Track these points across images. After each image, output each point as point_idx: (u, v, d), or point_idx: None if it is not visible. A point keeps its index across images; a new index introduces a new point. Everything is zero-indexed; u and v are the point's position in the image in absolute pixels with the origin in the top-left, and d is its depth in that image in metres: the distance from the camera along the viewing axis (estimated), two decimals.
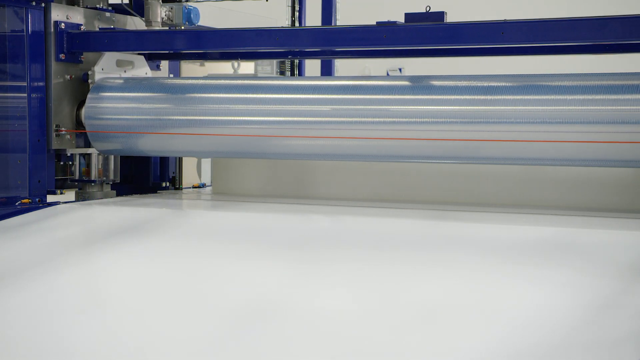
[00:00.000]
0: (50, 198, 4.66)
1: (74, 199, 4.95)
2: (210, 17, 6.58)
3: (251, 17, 9.29)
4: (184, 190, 5.45)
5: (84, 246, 3.86)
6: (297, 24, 6.79)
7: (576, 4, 8.68)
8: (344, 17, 6.79)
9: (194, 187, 5.64)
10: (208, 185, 5.94)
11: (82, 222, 4.28)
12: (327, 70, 6.61)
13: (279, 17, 7.64)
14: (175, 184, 5.49)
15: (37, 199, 4.53)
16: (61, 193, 5.95)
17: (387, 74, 10.21)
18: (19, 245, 3.90)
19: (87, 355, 2.83)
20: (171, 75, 5.55)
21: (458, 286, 3.06)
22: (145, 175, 5.38)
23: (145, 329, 2.98)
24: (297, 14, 6.81)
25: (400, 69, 10.11)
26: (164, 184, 5.41)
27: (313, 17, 6.89)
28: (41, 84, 4.61)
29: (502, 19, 4.08)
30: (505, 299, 2.94)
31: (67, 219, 4.28)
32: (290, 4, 6.81)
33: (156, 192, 5.30)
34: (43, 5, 4.60)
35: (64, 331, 3.00)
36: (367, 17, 5.04)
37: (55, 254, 3.73)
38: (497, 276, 3.14)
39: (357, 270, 3.31)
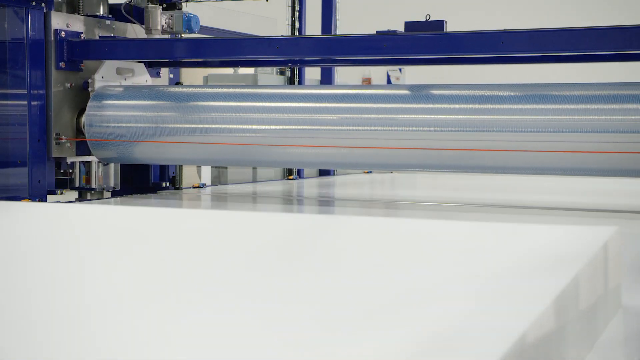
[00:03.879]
0: (50, 198, 4.67)
1: (74, 199, 4.95)
2: (210, 17, 6.57)
3: (251, 17, 9.30)
4: (183, 190, 5.46)
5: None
6: (297, 24, 6.77)
7: (576, 13, 8.68)
8: (344, 17, 6.78)
9: (194, 187, 5.66)
10: (208, 186, 5.96)
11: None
12: (327, 75, 6.61)
13: (279, 17, 7.63)
14: (175, 184, 5.50)
15: (37, 199, 4.53)
16: (61, 193, 5.95)
17: (387, 75, 10.26)
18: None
19: None
20: (171, 76, 5.54)
21: None
22: (146, 175, 5.39)
23: None
24: (297, 14, 6.80)
25: (400, 69, 10.13)
26: (164, 184, 5.42)
27: (313, 17, 6.88)
28: (41, 92, 4.61)
29: (502, 28, 4.09)
30: None
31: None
32: (290, 4, 6.79)
33: (156, 192, 5.32)
34: (43, 5, 4.58)
35: None
36: (367, 25, 5.04)
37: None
38: None
39: None
